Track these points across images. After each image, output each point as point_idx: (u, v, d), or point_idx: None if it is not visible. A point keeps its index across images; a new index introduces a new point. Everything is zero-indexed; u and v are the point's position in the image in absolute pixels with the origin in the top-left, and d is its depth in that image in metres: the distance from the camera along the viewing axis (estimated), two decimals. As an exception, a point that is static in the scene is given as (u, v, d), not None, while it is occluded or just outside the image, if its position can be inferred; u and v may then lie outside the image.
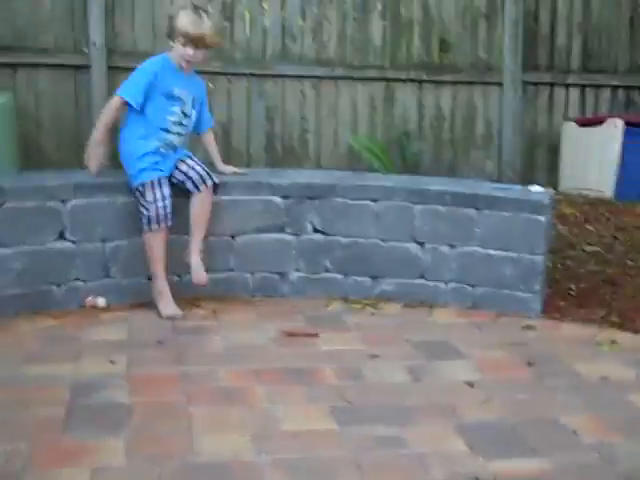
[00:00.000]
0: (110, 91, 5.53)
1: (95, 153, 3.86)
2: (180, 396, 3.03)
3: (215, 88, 5.88)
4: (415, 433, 2.80)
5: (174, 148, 3.90)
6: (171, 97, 3.85)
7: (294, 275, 4.22)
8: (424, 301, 4.13)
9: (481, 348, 3.57)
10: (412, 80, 6.17)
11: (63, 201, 3.84)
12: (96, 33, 5.51)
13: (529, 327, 3.85)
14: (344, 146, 6.08)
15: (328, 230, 4.20)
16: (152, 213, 3.76)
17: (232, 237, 4.16)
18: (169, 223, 3.80)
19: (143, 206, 3.78)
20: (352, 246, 4.19)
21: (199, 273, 3.93)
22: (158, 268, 3.84)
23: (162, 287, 3.85)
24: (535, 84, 6.51)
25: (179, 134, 3.91)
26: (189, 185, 3.90)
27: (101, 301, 3.91)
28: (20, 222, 3.74)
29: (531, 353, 3.52)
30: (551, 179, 6.37)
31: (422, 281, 4.15)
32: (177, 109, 3.87)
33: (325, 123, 6.06)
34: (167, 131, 3.86)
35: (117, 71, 5.55)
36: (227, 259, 4.16)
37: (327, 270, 4.22)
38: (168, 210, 3.79)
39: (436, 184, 4.30)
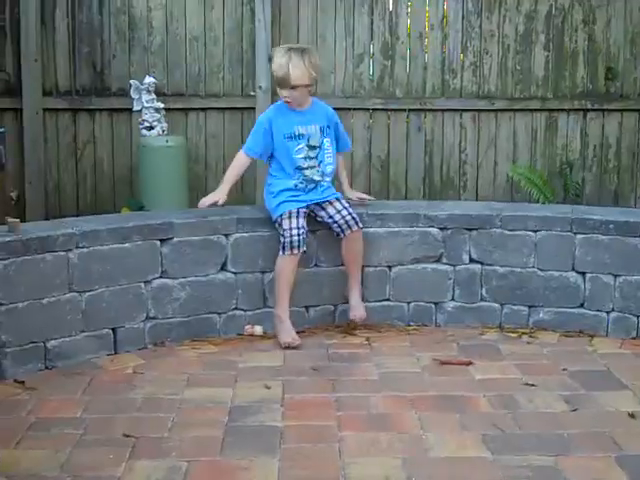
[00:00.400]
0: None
1: (213, 200, 4.01)
2: (332, 421, 3.07)
3: (374, 123, 5.98)
4: (572, 464, 2.71)
5: (315, 182, 3.98)
6: (294, 137, 3.95)
7: (449, 304, 4.19)
8: (583, 330, 4.00)
9: (645, 379, 3.41)
10: (576, 110, 6.03)
11: (226, 235, 4.02)
12: (262, 77, 5.74)
13: (699, 359, 3.64)
14: (503, 177, 6.01)
15: (485, 260, 4.16)
16: (287, 239, 3.84)
17: (389, 267, 4.20)
18: (302, 250, 3.86)
19: (281, 235, 3.89)
20: (509, 275, 4.12)
21: (358, 310, 4.03)
22: (283, 295, 3.89)
23: (283, 314, 3.89)
24: None
25: (313, 167, 3.98)
26: (335, 228, 3.98)
27: (259, 329, 4.03)
28: (186, 255, 3.94)
29: (700, 385, 3.32)
30: None
31: (582, 310, 4.03)
32: (302, 146, 3.96)
33: (484, 155, 6.02)
34: (300, 168, 3.96)
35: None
36: (383, 289, 4.20)
37: (483, 299, 4.17)
38: (302, 238, 3.85)
39: (598, 213, 4.18)
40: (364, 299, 4.11)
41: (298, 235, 3.85)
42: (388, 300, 4.21)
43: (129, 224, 3.87)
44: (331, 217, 3.98)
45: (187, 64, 5.86)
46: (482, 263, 4.16)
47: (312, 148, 3.99)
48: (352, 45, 5.92)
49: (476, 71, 5.99)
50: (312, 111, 4.05)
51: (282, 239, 3.87)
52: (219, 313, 4.02)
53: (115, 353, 3.78)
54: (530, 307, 4.11)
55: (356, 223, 3.98)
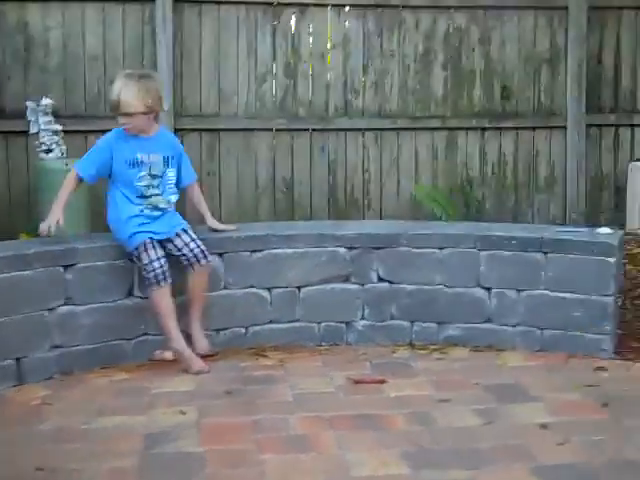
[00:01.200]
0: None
1: (51, 223, 3.80)
2: (251, 444, 3.04)
3: (278, 143, 6.00)
4: (490, 476, 2.76)
5: (160, 209, 3.90)
6: (135, 164, 3.84)
7: (360, 323, 4.22)
8: (492, 345, 4.08)
9: (553, 390, 3.51)
10: (474, 128, 6.20)
11: (132, 259, 3.93)
12: (164, 98, 5.67)
13: (601, 368, 3.76)
14: (406, 195, 6.11)
15: (393, 278, 4.21)
16: (150, 274, 3.74)
17: (298, 288, 4.20)
18: (169, 281, 3.78)
19: (143, 270, 3.79)
20: (417, 293, 4.18)
21: (203, 343, 3.93)
22: (171, 325, 3.80)
23: (179, 346, 3.81)
24: (599, 126, 6.47)
25: (157, 195, 3.89)
26: (183, 261, 3.88)
27: (168, 354, 3.95)
28: (92, 281, 3.84)
29: (605, 394, 3.44)
30: (618, 220, 6.27)
31: (489, 325, 4.11)
32: (144, 174, 3.85)
33: (387, 174, 6.11)
34: (143, 196, 3.86)
35: (184, 132, 5.73)
36: (293, 309, 4.19)
37: (393, 317, 4.21)
38: (164, 269, 3.76)
39: (501, 230, 4.29)
40: (273, 321, 4.15)
41: (161, 267, 3.75)
42: (298, 321, 4.21)
43: (30, 251, 3.75)
44: (179, 250, 3.87)
45: (86, 85, 5.75)
46: (390, 282, 4.21)
47: (154, 177, 3.88)
48: (255, 65, 5.93)
49: (377, 90, 6.09)
50: (156, 139, 3.93)
51: (145, 274, 3.77)
52: (128, 339, 3.93)
53: (20, 384, 3.64)
54: (439, 323, 4.18)
55: (204, 257, 3.89)
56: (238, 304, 4.13)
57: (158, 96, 3.87)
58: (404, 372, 3.81)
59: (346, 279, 4.22)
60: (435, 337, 4.18)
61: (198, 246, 3.89)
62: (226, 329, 4.13)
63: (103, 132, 5.61)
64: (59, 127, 5.34)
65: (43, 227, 3.80)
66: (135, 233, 3.80)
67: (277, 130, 5.99)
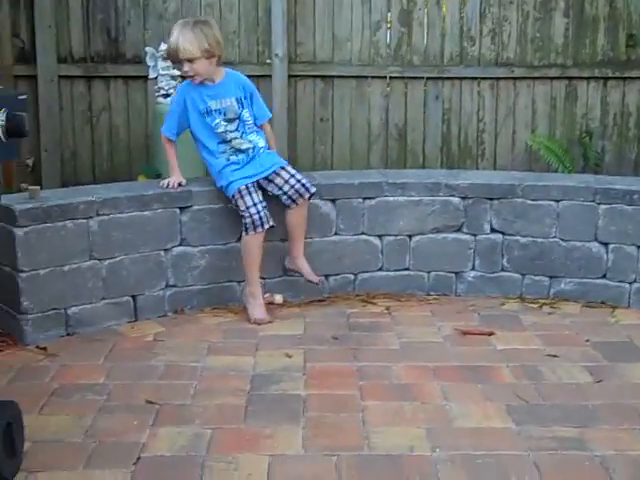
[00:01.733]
0: (290, 99, 5.72)
1: (177, 182, 3.91)
2: (355, 390, 3.07)
3: (392, 91, 5.92)
4: (597, 435, 2.71)
5: (246, 151, 3.88)
6: (208, 112, 3.84)
7: (470, 274, 4.17)
8: (605, 301, 3.98)
9: (669, 351, 3.40)
10: (596, 78, 5.95)
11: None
12: (278, 45, 5.68)
13: None
14: (521, 146, 5.95)
15: (506, 230, 4.13)
16: (248, 220, 3.74)
17: (409, 237, 4.17)
18: (266, 227, 3.77)
19: (241, 215, 3.79)
20: (531, 245, 4.09)
21: (313, 275, 3.96)
22: (253, 272, 3.82)
23: (255, 291, 3.84)
24: None
25: (238, 138, 3.87)
26: (285, 200, 3.86)
27: (278, 297, 4.02)
28: (206, 223, 3.92)
29: None
30: None
31: (604, 281, 4.00)
32: (219, 120, 3.84)
33: (502, 123, 5.96)
34: (224, 141, 3.86)
35: (297, 78, 5.74)
36: (403, 258, 4.18)
37: (504, 269, 4.14)
38: (263, 214, 3.76)
39: (621, 183, 4.14)
40: (383, 268, 4.14)
41: (258, 212, 3.75)
42: (408, 270, 4.19)
43: (149, 192, 3.85)
44: (280, 188, 3.85)
45: (203, 30, 5.79)
46: (503, 233, 4.13)
47: (230, 121, 3.87)
48: (369, 12, 5.83)
49: (495, 38, 5.91)
50: (224, 84, 3.90)
51: (243, 220, 3.77)
52: (239, 281, 4.00)
53: (135, 320, 3.78)
54: (551, 278, 4.08)
55: (307, 190, 3.87)
56: (348, 250, 4.14)
57: (216, 41, 3.83)
58: (513, 325, 3.75)
59: (458, 229, 4.17)
60: (546, 291, 4.09)
61: (299, 180, 3.87)
62: (336, 275, 4.15)
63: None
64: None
65: (163, 183, 3.90)
66: (231, 182, 3.81)
67: (391, 78, 5.90)
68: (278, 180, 3.87)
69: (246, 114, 3.91)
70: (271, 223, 3.79)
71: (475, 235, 4.16)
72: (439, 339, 3.60)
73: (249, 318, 3.81)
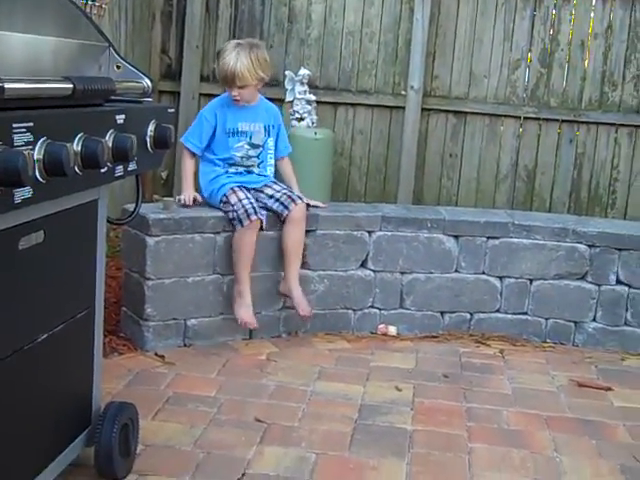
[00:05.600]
0: (421, 132, 5.74)
1: (192, 198, 3.83)
2: (462, 430, 3.03)
3: (524, 132, 5.86)
4: None
5: (249, 171, 3.86)
6: (235, 133, 3.83)
7: (590, 325, 4.07)
8: None
9: None
10: None
11: (370, 232, 4.02)
12: (415, 77, 5.71)
13: None
14: (656, 198, 5.77)
15: (633, 283, 4.02)
16: (240, 210, 3.64)
17: (530, 281, 4.11)
18: (259, 216, 3.65)
19: (230, 211, 3.68)
20: (658, 301, 3.97)
21: (303, 304, 3.77)
22: (243, 270, 3.67)
23: (243, 290, 3.68)
24: None
25: (255, 165, 3.87)
26: (277, 206, 3.77)
27: (393, 329, 4.02)
28: (328, 248, 3.97)
29: None
30: None
31: None
32: (243, 144, 3.84)
33: (638, 173, 5.79)
34: (235, 164, 3.84)
35: (430, 112, 5.75)
36: (522, 302, 4.11)
37: (627, 323, 4.03)
38: (253, 205, 3.66)
39: None
40: (501, 309, 4.06)
41: (250, 203, 3.66)
42: (526, 314, 4.13)
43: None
44: (272, 197, 3.79)
45: (341, 58, 5.89)
46: (630, 286, 4.02)
47: (254, 147, 3.86)
48: (510, 50, 5.79)
49: (638, 85, 5.77)
50: (258, 108, 3.90)
51: (233, 214, 3.66)
52: (354, 310, 4.03)
53: (250, 338, 3.86)
54: (680, 336, 3.95)
55: (299, 197, 3.80)
56: (467, 289, 4.10)
57: (268, 65, 3.84)
58: (633, 382, 3.63)
59: (582, 277, 4.08)
60: (672, 350, 3.96)
61: (290, 190, 3.84)
62: (452, 312, 4.12)
63: (352, 105, 5.87)
64: (313, 97, 5.52)
65: (180, 199, 3.82)
66: (223, 184, 3.76)
67: (525, 118, 5.84)
68: (268, 190, 3.84)
69: (270, 143, 3.94)
70: (260, 217, 3.66)
71: (599, 285, 4.06)
72: (553, 388, 3.51)
73: (236, 319, 3.71)
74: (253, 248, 3.70)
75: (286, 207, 3.77)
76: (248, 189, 3.80)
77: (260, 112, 3.92)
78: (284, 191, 3.83)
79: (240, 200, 3.68)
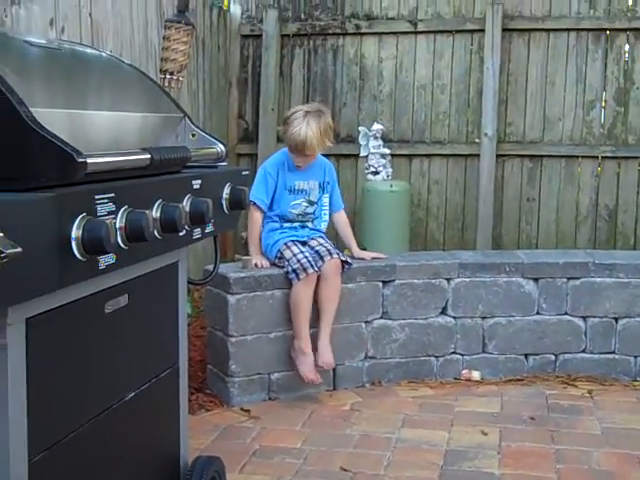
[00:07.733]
0: (497, 178, 5.75)
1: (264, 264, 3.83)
2: (552, 473, 2.99)
3: (602, 171, 5.80)
4: None
5: (304, 226, 3.90)
6: (294, 191, 3.85)
7: (682, 362, 3.97)
8: None
9: None
10: None
11: (448, 279, 4.04)
12: (488, 124, 5.75)
13: None
14: None
15: None
16: (296, 265, 3.67)
17: (615, 319, 4.04)
18: (316, 269, 3.67)
19: (287, 265, 3.71)
20: None
21: (327, 356, 3.71)
22: (303, 326, 3.67)
23: (305, 347, 3.68)
24: None
25: (310, 222, 3.91)
26: (314, 257, 3.75)
27: (476, 374, 4.01)
28: (407, 297, 4.00)
29: None
30: None
31: None
32: (301, 201, 3.87)
33: None
34: (290, 221, 3.88)
35: (505, 158, 5.77)
36: (608, 341, 4.04)
37: None
38: (310, 258, 3.68)
39: None
40: (588, 350, 4.01)
41: (306, 257, 3.69)
42: (613, 353, 4.05)
43: (353, 265, 3.96)
44: (312, 248, 3.79)
45: (414, 111, 5.98)
46: None
47: (311, 203, 3.89)
48: (583, 92, 5.79)
49: None
50: (313, 166, 3.90)
51: (290, 268, 3.69)
52: (436, 356, 4.04)
53: (334, 389, 3.89)
54: None
55: (336, 252, 3.79)
56: (550, 330, 4.06)
57: (332, 132, 3.87)
58: None
59: (669, 314, 3.99)
60: None
61: (332, 244, 3.86)
62: (536, 355, 4.08)
63: (427, 156, 5.93)
64: (387, 151, 5.62)
65: (256, 263, 3.84)
66: (277, 240, 3.82)
67: (603, 157, 5.79)
68: (312, 242, 3.85)
69: (325, 199, 3.98)
70: (316, 270, 3.68)
71: (688, 321, 3.96)
72: (644, 427, 3.44)
73: (300, 376, 3.70)
74: (311, 302, 3.71)
75: (321, 258, 3.76)
76: (301, 242, 3.86)
77: (315, 169, 3.95)
78: (326, 245, 3.84)
79: (295, 255, 3.73)
